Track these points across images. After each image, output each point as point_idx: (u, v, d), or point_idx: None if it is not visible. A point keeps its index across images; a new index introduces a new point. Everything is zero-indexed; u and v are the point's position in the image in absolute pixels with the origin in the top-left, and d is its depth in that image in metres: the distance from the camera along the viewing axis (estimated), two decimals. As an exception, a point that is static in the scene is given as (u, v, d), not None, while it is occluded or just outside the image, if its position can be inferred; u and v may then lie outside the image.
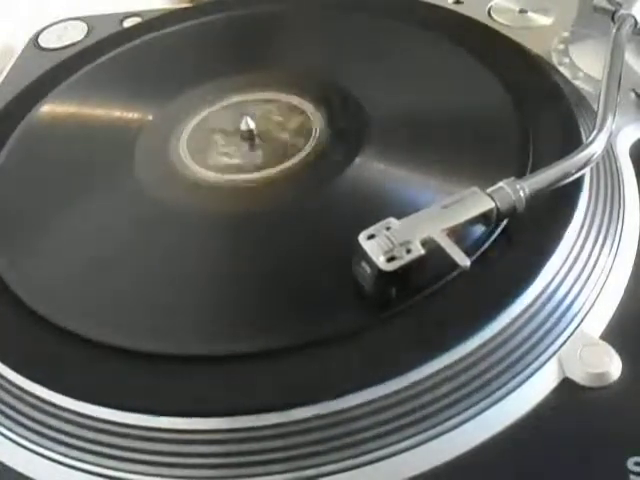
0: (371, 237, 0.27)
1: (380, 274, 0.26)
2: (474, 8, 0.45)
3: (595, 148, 0.30)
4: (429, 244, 0.26)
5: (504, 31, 0.42)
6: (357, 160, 0.33)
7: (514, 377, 0.26)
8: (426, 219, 0.27)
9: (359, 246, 0.26)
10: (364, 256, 0.26)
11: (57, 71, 0.44)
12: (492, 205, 0.28)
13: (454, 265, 0.26)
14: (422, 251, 0.26)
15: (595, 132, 0.30)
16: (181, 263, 0.31)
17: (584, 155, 0.29)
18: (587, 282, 0.28)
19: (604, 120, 0.31)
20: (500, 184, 0.28)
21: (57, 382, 0.27)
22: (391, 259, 0.26)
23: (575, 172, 0.29)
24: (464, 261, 0.26)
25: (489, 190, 0.28)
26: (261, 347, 0.26)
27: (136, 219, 0.33)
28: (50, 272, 0.31)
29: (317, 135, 0.35)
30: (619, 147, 0.35)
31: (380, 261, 0.26)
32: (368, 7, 0.44)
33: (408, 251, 0.26)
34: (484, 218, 0.28)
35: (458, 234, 0.27)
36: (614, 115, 0.31)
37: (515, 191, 0.28)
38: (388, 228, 0.27)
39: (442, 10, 0.44)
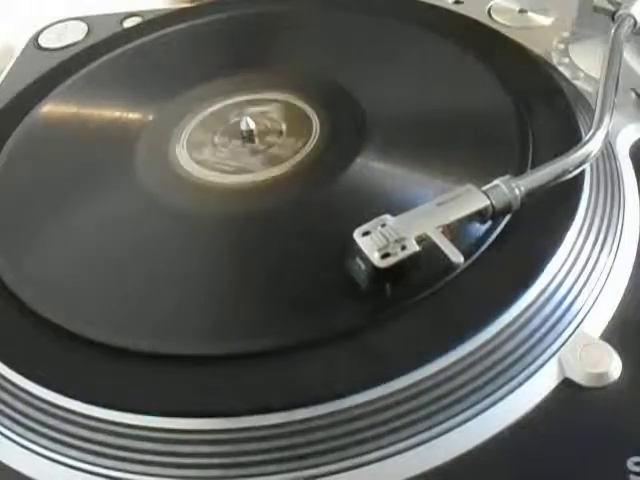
0: (366, 234, 0.27)
1: (374, 270, 0.26)
2: (474, 8, 0.45)
3: (592, 147, 0.30)
4: (424, 241, 0.26)
5: (504, 31, 0.42)
6: (357, 160, 0.33)
7: (514, 377, 0.26)
8: (421, 216, 0.27)
9: (354, 242, 0.27)
10: (359, 252, 0.26)
11: (57, 71, 0.44)
12: (487, 203, 0.28)
13: (451, 264, 0.26)
14: (417, 248, 0.26)
15: (592, 131, 0.30)
16: (181, 263, 0.31)
17: (581, 154, 0.29)
18: (587, 282, 0.28)
19: (601, 119, 0.31)
20: (496, 182, 0.28)
21: (57, 382, 0.27)
22: (386, 256, 0.26)
23: (572, 170, 0.29)
24: (457, 257, 0.26)
25: (484, 188, 0.28)
26: (261, 347, 0.26)
27: (136, 219, 0.33)
28: (50, 272, 0.31)
29: (317, 135, 0.35)
30: (619, 147, 0.35)
31: (374, 257, 0.26)
32: (368, 7, 0.44)
33: (403, 248, 0.26)
34: (479, 216, 0.28)
35: (453, 231, 0.27)
36: (611, 114, 0.31)
37: (511, 189, 0.28)
38: (383, 225, 0.27)
39: (442, 10, 0.44)
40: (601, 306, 0.28)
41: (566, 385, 0.26)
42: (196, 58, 0.44)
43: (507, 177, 0.29)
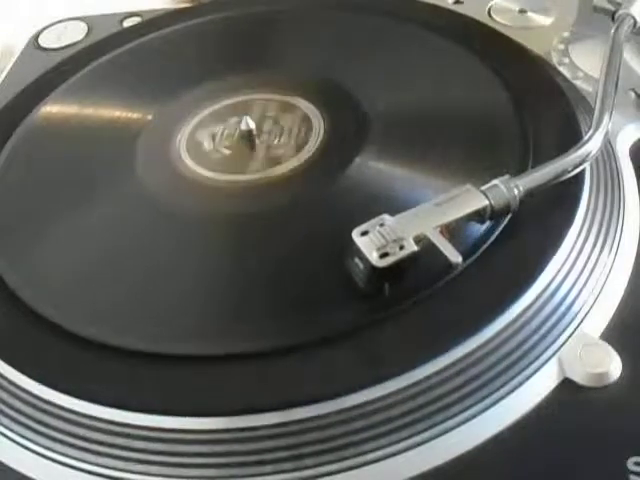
0: (365, 233, 0.27)
1: (373, 270, 0.26)
2: (474, 8, 0.45)
3: (591, 146, 0.30)
4: (423, 241, 0.26)
5: (504, 31, 0.42)
6: (357, 160, 0.33)
7: (514, 377, 0.26)
8: (419, 216, 0.27)
9: (352, 242, 0.27)
10: (357, 252, 0.26)
11: (57, 71, 0.44)
12: (486, 203, 0.28)
13: (449, 264, 0.26)
14: (415, 248, 0.26)
15: (591, 131, 0.30)
16: (181, 263, 0.31)
17: (580, 154, 0.29)
18: (587, 282, 0.28)
19: (600, 119, 0.31)
20: (494, 182, 0.28)
21: (57, 381, 0.27)
22: (384, 255, 0.26)
23: (571, 170, 0.29)
24: (456, 257, 0.26)
25: (483, 188, 0.28)
26: (260, 347, 0.26)
27: (136, 219, 0.33)
28: (50, 272, 0.31)
29: (317, 135, 0.35)
30: (619, 147, 0.35)
31: (373, 257, 0.26)
32: (368, 7, 0.44)
33: (401, 247, 0.26)
34: (478, 216, 0.28)
35: (452, 231, 0.27)
36: (611, 114, 0.31)
37: (509, 189, 0.28)
38: (382, 224, 0.27)
39: (442, 10, 0.44)
40: (601, 306, 0.28)
41: (566, 385, 0.26)
42: (196, 58, 0.44)
43: (506, 177, 0.29)
